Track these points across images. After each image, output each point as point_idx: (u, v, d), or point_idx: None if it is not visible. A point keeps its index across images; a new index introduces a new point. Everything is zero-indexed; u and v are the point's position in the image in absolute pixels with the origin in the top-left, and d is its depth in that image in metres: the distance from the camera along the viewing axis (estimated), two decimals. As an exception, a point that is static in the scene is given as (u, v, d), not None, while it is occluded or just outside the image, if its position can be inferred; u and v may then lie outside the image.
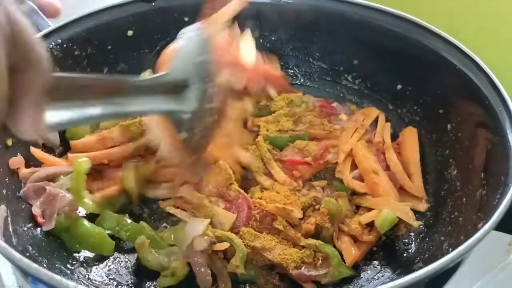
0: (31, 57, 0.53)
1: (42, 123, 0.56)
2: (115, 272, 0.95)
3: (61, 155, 1.10)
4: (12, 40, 0.51)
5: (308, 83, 1.27)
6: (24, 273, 0.70)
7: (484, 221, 0.77)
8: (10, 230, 0.87)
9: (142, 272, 0.95)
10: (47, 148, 1.08)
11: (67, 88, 0.60)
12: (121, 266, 0.96)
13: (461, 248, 0.70)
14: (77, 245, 0.96)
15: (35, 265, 0.66)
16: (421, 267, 0.71)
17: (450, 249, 0.80)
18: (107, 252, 0.96)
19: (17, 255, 0.68)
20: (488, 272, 1.00)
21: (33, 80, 0.54)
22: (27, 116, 0.54)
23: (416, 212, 1.02)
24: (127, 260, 0.97)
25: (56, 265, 0.90)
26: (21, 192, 0.97)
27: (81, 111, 0.62)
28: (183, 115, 0.76)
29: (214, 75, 0.78)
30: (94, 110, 0.64)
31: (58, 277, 0.65)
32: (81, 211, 1.00)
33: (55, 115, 0.59)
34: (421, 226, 1.01)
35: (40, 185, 0.98)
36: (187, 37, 0.81)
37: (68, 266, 0.92)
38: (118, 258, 0.97)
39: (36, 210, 0.95)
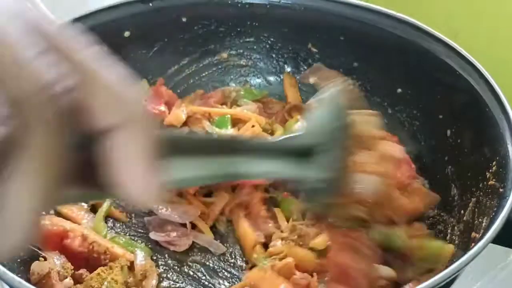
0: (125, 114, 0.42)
1: (158, 186, 0.43)
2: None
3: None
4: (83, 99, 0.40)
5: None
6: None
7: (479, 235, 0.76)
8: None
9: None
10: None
11: (178, 146, 0.51)
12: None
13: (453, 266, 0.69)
14: None
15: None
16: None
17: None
18: None
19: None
20: (488, 272, 1.00)
21: (131, 140, 0.41)
22: (137, 180, 0.41)
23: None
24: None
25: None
26: None
27: (191, 170, 0.53)
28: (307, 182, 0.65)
29: (351, 143, 0.68)
30: (203, 171, 0.54)
31: None
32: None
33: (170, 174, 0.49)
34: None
35: None
36: (319, 100, 0.70)
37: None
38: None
39: None
